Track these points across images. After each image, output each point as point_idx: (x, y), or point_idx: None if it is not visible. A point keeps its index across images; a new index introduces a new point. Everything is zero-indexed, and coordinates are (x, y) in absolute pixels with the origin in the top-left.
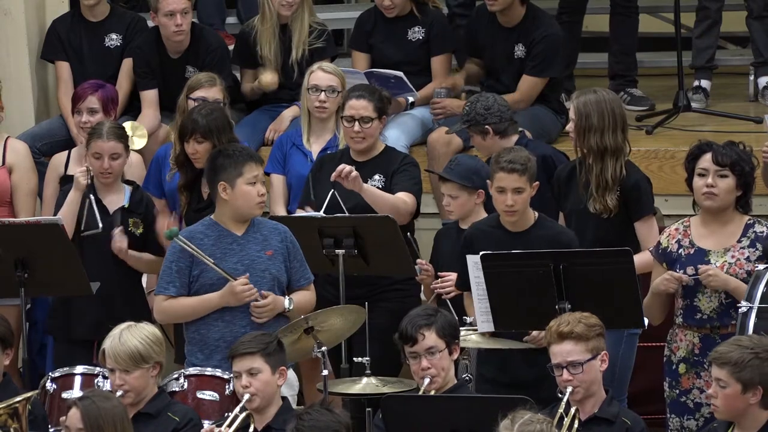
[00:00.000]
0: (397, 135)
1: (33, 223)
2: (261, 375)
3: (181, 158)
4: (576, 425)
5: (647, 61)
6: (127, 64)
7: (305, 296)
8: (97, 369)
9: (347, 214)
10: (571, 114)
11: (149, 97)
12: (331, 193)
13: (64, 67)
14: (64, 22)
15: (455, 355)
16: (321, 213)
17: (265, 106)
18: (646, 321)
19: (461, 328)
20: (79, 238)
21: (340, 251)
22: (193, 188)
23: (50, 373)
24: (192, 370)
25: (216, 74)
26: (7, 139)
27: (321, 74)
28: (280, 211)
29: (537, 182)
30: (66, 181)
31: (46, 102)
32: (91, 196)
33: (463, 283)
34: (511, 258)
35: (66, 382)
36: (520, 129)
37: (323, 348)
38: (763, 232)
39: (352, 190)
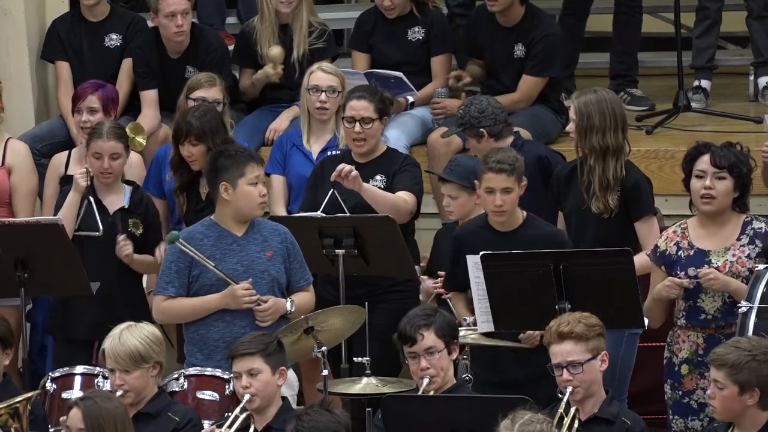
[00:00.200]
0: (397, 135)
1: (33, 223)
2: (261, 375)
3: (176, 160)
4: (576, 425)
5: (647, 61)
6: (127, 64)
7: (305, 297)
8: (97, 369)
9: (347, 214)
10: (572, 114)
11: (149, 97)
12: (330, 192)
13: (64, 67)
14: (64, 22)
15: (454, 355)
16: (320, 213)
17: (265, 106)
18: (646, 321)
19: (460, 328)
20: (79, 238)
21: (340, 251)
22: (190, 189)
23: (50, 373)
24: (192, 370)
25: (216, 74)
26: (8, 140)
27: (321, 74)
28: (281, 211)
29: (525, 182)
30: (66, 181)
31: (46, 102)
32: (90, 197)
33: (451, 283)
34: (512, 258)
35: (66, 382)
36: (515, 130)
37: (323, 348)
38: (761, 228)
39: (352, 190)
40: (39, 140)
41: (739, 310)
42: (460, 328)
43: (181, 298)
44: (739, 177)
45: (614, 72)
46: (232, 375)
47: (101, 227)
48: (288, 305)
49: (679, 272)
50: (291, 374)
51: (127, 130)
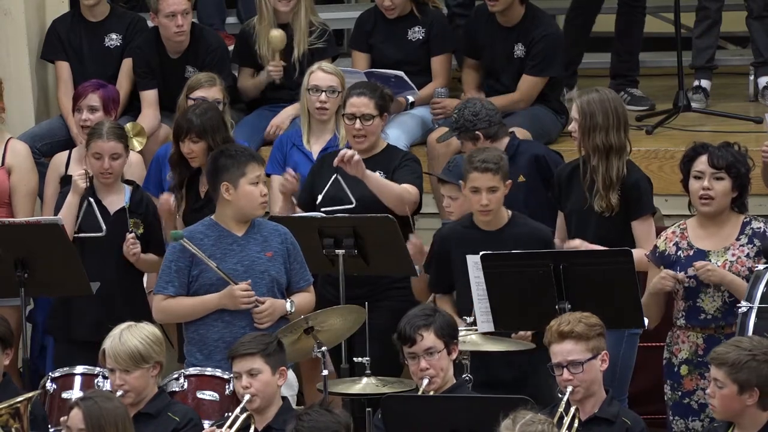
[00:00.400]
0: (397, 135)
1: (33, 223)
2: (261, 375)
3: (175, 158)
4: (576, 425)
5: (648, 61)
6: (127, 64)
7: (305, 298)
8: (97, 369)
9: (347, 215)
10: (574, 113)
11: (149, 97)
12: (333, 177)
13: (64, 67)
14: (64, 22)
15: (454, 355)
16: (320, 213)
17: (265, 106)
18: (646, 321)
19: (460, 328)
20: (79, 239)
21: (340, 251)
22: (189, 187)
23: (50, 373)
24: (192, 370)
25: (216, 74)
26: (8, 140)
27: (321, 74)
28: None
29: (510, 181)
30: (66, 181)
31: (46, 102)
32: (91, 199)
33: (436, 285)
34: (512, 258)
35: (66, 382)
36: (510, 130)
37: (323, 348)
38: (760, 228)
39: (356, 183)
40: (39, 139)
41: (739, 310)
42: (460, 328)
43: (181, 298)
44: (738, 177)
45: (615, 72)
46: (232, 375)
47: (104, 227)
48: (288, 306)
49: (678, 272)
50: (291, 374)
51: (127, 130)
